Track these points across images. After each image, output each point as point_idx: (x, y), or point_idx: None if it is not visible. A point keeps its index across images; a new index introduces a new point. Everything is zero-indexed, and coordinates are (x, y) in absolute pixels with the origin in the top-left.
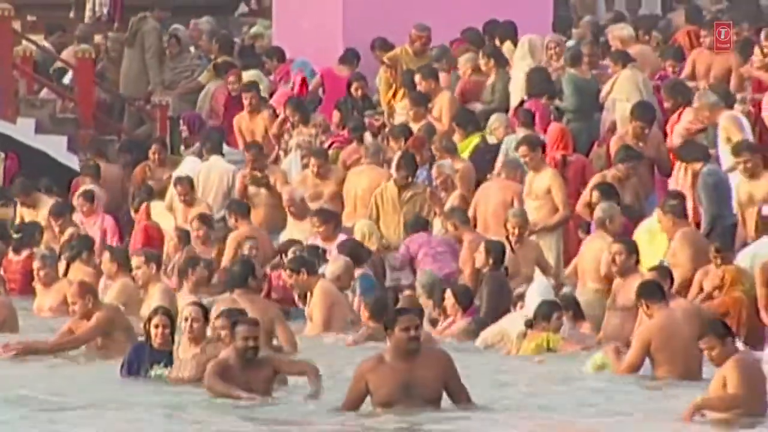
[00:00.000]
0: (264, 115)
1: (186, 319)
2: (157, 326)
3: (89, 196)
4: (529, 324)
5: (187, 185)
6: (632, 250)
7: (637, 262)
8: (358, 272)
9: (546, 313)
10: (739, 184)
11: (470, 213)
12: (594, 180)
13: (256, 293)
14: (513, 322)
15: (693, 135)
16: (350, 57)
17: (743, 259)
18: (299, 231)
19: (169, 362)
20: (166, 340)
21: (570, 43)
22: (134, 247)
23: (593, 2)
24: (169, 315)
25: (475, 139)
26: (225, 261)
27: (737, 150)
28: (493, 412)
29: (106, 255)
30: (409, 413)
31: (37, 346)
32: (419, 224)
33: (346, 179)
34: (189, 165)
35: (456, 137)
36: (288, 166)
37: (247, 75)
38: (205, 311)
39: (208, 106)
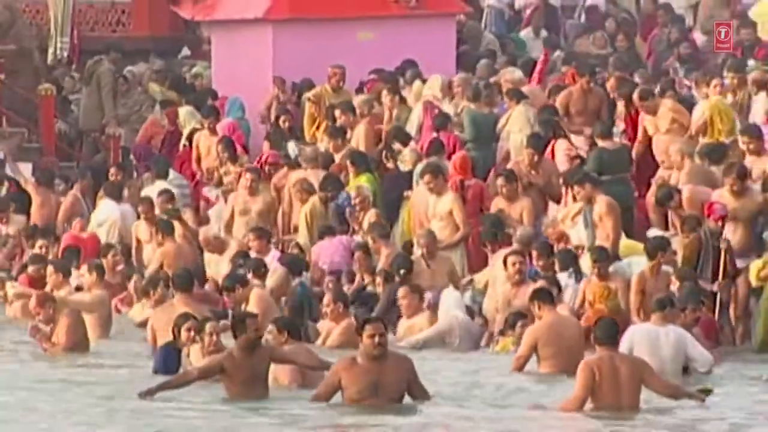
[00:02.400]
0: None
1: (210, 334)
2: (188, 330)
3: None
4: (501, 332)
5: (148, 205)
6: (524, 261)
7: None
8: (297, 280)
9: (512, 323)
10: None
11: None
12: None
13: (195, 298)
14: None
15: (574, 160)
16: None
17: (619, 270)
18: (224, 263)
19: None
20: (191, 343)
21: None
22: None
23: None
24: (198, 320)
25: (363, 178)
26: (149, 271)
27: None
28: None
29: (84, 267)
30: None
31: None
32: (328, 231)
33: None
34: (106, 208)
35: (350, 173)
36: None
37: (182, 111)
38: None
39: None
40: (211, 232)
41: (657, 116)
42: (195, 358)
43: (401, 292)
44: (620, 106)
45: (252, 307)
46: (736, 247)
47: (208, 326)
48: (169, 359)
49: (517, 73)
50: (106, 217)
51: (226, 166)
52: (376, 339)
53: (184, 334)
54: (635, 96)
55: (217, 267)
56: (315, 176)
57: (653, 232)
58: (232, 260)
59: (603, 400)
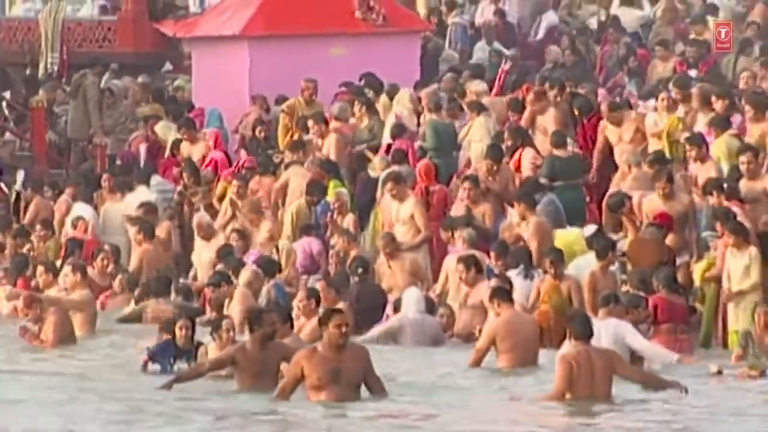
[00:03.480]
0: (201, 144)
1: (227, 330)
2: (181, 328)
3: None
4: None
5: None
6: (470, 264)
7: (480, 270)
8: (272, 282)
9: None
10: None
11: (409, 209)
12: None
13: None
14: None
15: (538, 169)
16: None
17: (571, 270)
18: (207, 250)
19: (190, 357)
20: (188, 340)
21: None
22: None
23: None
24: (192, 319)
25: (332, 185)
26: (131, 268)
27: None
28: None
29: (68, 267)
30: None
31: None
32: (308, 228)
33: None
34: (81, 209)
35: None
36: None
37: (159, 126)
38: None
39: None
40: (205, 219)
41: (621, 127)
42: (212, 354)
43: (320, 285)
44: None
45: (234, 304)
46: (673, 247)
47: (224, 323)
48: (162, 352)
49: (482, 86)
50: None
51: (192, 188)
52: (342, 329)
53: (178, 332)
54: (604, 107)
55: (201, 253)
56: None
57: (589, 231)
58: (217, 252)
59: (579, 392)
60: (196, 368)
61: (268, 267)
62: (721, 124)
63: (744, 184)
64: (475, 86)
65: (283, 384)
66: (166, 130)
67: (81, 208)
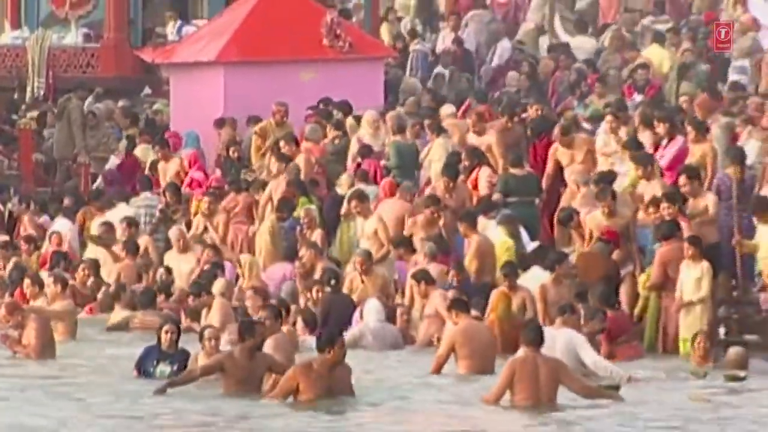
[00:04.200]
0: (175, 161)
1: (209, 339)
2: (167, 332)
3: None
4: None
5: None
6: (421, 278)
7: (431, 282)
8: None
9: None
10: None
11: (372, 225)
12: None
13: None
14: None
15: (494, 187)
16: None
17: (523, 281)
18: (185, 262)
19: (173, 361)
20: (172, 344)
21: None
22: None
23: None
24: (177, 324)
25: (303, 202)
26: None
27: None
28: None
29: (50, 279)
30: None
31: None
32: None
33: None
34: (59, 224)
35: None
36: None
37: (138, 149)
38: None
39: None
40: (181, 233)
41: (573, 149)
42: (201, 361)
43: (248, 293)
44: None
45: (214, 313)
46: (616, 260)
47: (206, 332)
48: (146, 357)
49: (451, 109)
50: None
51: (174, 206)
52: (344, 352)
53: (163, 336)
54: (557, 130)
55: (179, 265)
56: None
57: (531, 246)
58: (202, 269)
59: (523, 395)
60: (188, 374)
61: (250, 267)
62: (642, 160)
63: (689, 203)
64: (445, 109)
65: (275, 393)
66: (147, 153)
67: (59, 223)
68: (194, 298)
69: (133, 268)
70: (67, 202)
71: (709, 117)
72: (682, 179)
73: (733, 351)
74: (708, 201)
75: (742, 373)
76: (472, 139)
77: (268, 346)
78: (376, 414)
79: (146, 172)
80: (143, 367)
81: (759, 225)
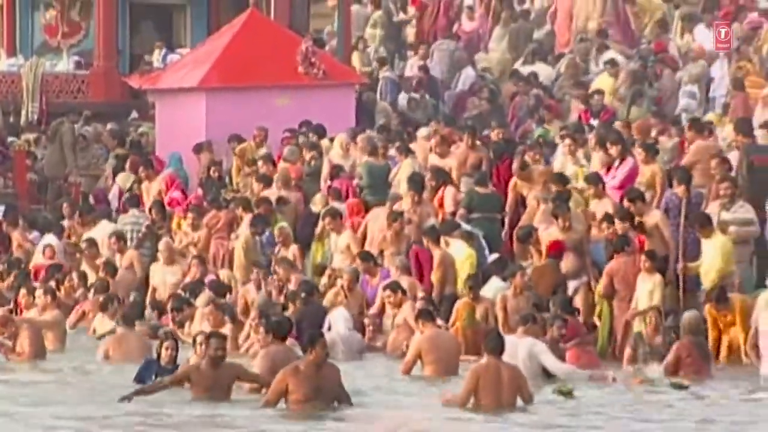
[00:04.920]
0: (158, 181)
1: (201, 344)
2: (167, 349)
3: None
4: None
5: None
6: (395, 289)
7: (405, 293)
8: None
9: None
10: None
11: (361, 230)
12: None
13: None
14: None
15: (458, 205)
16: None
17: (486, 292)
18: (171, 274)
19: None
20: (171, 360)
21: None
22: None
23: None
24: (176, 341)
25: (278, 219)
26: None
27: None
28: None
29: (40, 291)
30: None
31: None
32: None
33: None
34: (48, 240)
35: None
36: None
37: (119, 176)
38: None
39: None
40: (170, 245)
41: (531, 182)
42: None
43: (208, 310)
44: None
45: (196, 324)
46: (570, 271)
47: (165, 343)
48: (145, 370)
49: (426, 131)
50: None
51: (159, 223)
52: (326, 351)
53: (163, 353)
54: (515, 166)
55: (165, 276)
56: None
57: (491, 258)
58: (184, 287)
59: (486, 400)
60: (156, 384)
61: (219, 289)
62: (593, 179)
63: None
64: (421, 132)
65: (267, 398)
66: (127, 180)
67: (48, 237)
68: (177, 313)
69: (126, 281)
70: (54, 218)
71: (648, 139)
72: (626, 203)
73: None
74: (656, 218)
75: (686, 382)
76: (434, 159)
77: (261, 357)
78: (346, 417)
79: (125, 195)
80: (142, 380)
81: (702, 239)
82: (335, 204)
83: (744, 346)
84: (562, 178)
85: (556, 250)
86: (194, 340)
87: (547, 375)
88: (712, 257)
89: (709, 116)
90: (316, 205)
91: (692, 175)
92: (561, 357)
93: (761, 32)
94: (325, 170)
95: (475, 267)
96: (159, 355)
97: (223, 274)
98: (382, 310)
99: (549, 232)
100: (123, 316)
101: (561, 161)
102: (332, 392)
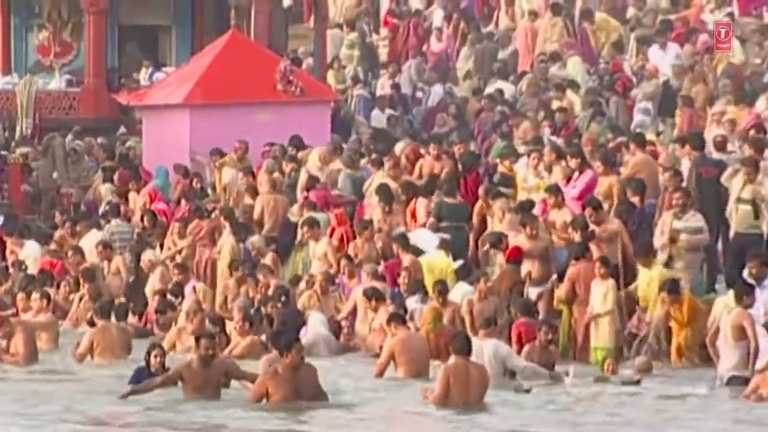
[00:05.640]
0: (144, 193)
1: (155, 357)
2: (155, 357)
3: None
4: None
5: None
6: (371, 295)
7: (383, 299)
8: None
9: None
10: None
11: (323, 247)
12: None
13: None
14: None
15: (429, 215)
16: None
17: (454, 296)
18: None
19: None
20: (160, 366)
21: None
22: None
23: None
24: (163, 349)
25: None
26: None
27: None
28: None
29: (36, 294)
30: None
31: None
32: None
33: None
34: (29, 247)
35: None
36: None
37: (102, 187)
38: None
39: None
40: (147, 257)
41: (492, 211)
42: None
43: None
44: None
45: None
46: (536, 277)
47: (153, 352)
48: (138, 377)
49: (403, 144)
50: (28, 254)
51: (150, 231)
52: (301, 355)
53: (152, 360)
54: (481, 191)
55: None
56: None
57: (457, 264)
58: (164, 292)
59: (455, 398)
60: (150, 383)
61: (204, 294)
62: (553, 190)
63: (596, 230)
64: (400, 146)
65: (250, 398)
66: (108, 193)
67: (30, 245)
68: (161, 315)
69: (113, 286)
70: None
71: (597, 152)
72: (588, 210)
73: (638, 360)
74: (615, 225)
75: (636, 377)
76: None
77: (267, 360)
78: (328, 415)
79: (104, 207)
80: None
81: (639, 267)
82: (311, 213)
83: (689, 348)
84: (523, 206)
85: (516, 256)
86: (197, 341)
87: (510, 374)
88: (645, 289)
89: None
90: (294, 215)
91: (646, 186)
92: (551, 360)
93: (715, 53)
94: (302, 181)
95: (451, 272)
96: (148, 363)
97: (199, 287)
98: (354, 311)
99: (517, 239)
100: (99, 309)
101: (523, 173)
102: (310, 392)
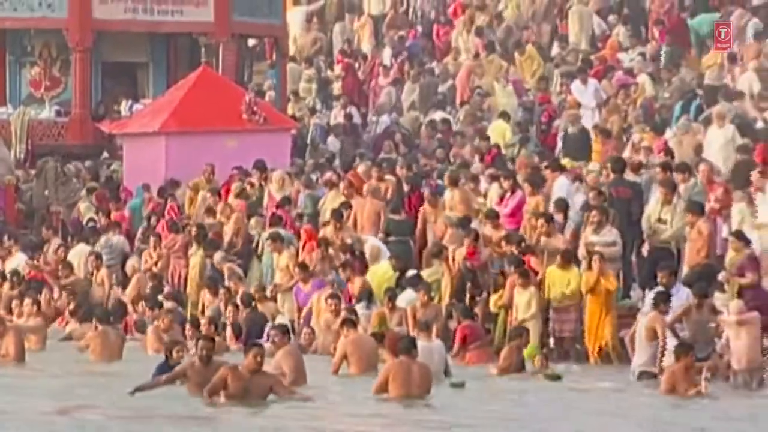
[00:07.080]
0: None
1: (177, 352)
2: (178, 351)
3: None
4: None
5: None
6: (337, 300)
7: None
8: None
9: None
10: None
11: (285, 260)
12: None
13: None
14: None
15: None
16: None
17: (401, 302)
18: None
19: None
20: (180, 360)
21: None
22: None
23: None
24: (185, 345)
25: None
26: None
27: None
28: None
29: (28, 300)
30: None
31: None
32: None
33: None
34: (17, 259)
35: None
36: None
37: (82, 206)
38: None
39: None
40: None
41: (436, 211)
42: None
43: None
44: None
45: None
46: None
47: (175, 348)
48: (162, 369)
49: (365, 166)
50: (16, 265)
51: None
52: (258, 358)
53: (175, 354)
54: (427, 193)
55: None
56: None
57: (409, 274)
58: (139, 298)
59: (398, 391)
60: (156, 381)
61: (178, 299)
62: (492, 215)
63: (543, 241)
64: (361, 167)
65: (209, 388)
66: (87, 211)
67: (18, 256)
68: (151, 311)
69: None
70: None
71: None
72: (541, 222)
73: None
74: (560, 240)
75: (559, 373)
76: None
77: (280, 355)
78: (288, 409)
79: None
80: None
81: (518, 288)
82: (278, 229)
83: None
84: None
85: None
86: (196, 342)
87: (446, 372)
88: (522, 310)
89: None
90: (253, 228)
91: (569, 204)
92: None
93: (633, 87)
94: (266, 199)
95: (393, 282)
96: (167, 357)
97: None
98: (310, 314)
99: (460, 251)
100: (98, 317)
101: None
102: (258, 396)
